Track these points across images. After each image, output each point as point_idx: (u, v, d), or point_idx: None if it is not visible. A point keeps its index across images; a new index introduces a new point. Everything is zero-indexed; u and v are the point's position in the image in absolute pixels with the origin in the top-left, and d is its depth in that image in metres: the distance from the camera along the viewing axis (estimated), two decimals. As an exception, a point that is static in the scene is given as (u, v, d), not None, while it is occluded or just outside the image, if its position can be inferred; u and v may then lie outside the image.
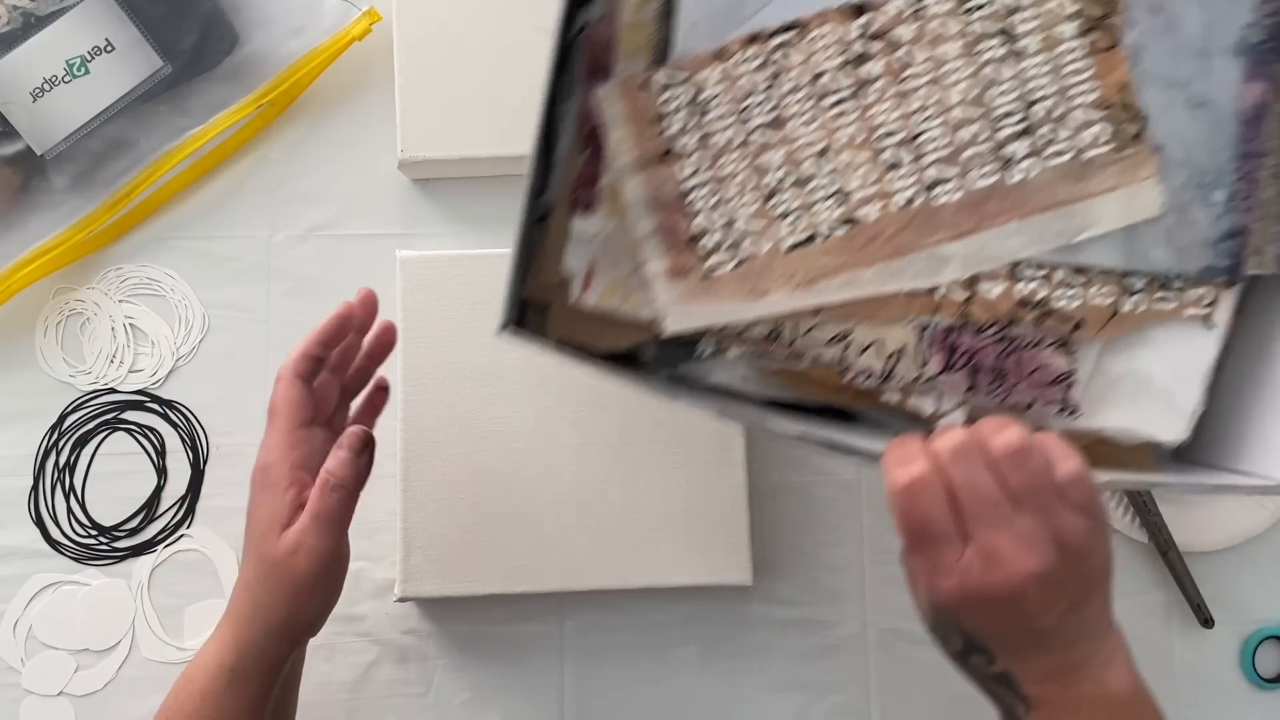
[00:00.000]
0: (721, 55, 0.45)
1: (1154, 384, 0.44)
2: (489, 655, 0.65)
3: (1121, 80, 0.43)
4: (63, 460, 0.66)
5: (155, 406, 0.67)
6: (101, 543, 0.66)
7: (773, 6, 0.45)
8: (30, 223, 0.66)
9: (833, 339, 0.45)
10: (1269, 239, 0.42)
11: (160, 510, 0.66)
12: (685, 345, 0.47)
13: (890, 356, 0.43)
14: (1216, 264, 0.42)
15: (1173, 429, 0.44)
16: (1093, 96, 0.43)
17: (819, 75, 0.44)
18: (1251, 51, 0.41)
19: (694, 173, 0.44)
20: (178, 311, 0.68)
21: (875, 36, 0.44)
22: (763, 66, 0.45)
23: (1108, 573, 0.43)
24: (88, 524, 0.66)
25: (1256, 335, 0.45)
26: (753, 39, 0.45)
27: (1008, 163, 0.43)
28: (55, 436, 0.66)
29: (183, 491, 0.66)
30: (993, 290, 0.43)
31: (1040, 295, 0.42)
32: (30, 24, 0.64)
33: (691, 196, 0.45)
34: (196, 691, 0.50)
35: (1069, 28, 0.43)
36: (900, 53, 0.44)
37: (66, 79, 0.65)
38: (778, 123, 0.45)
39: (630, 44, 0.45)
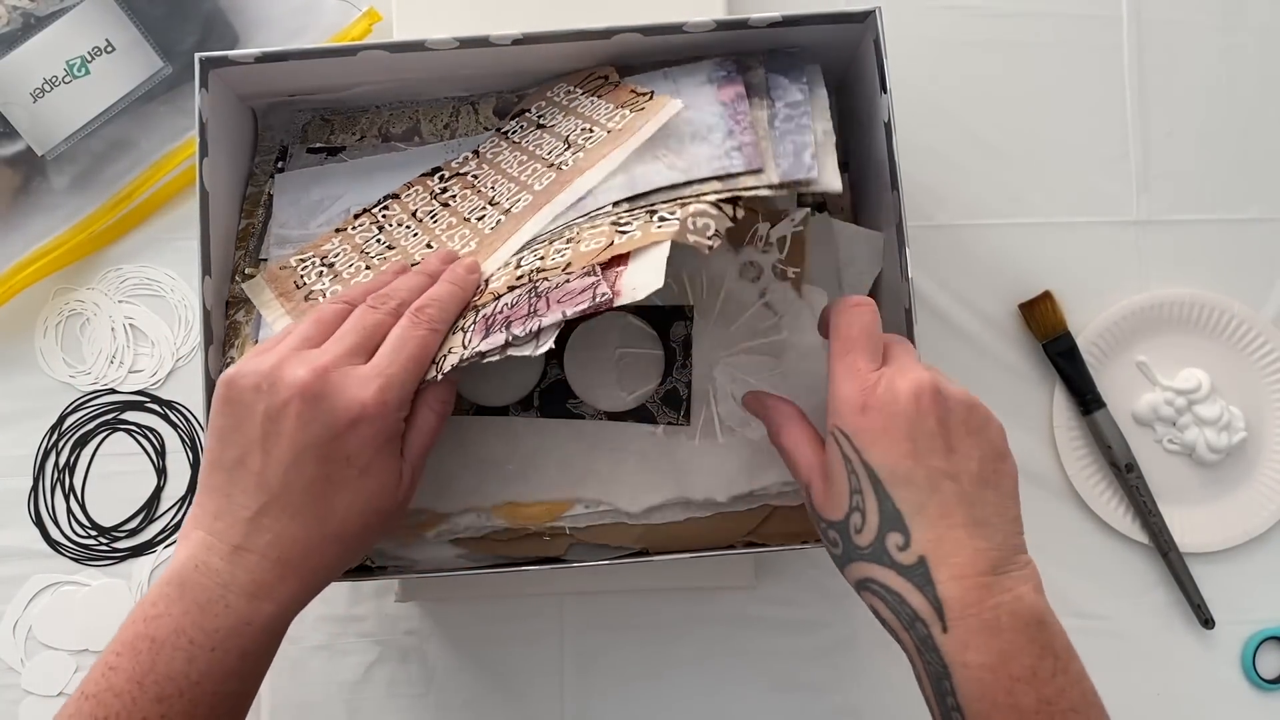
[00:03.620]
0: (339, 230, 0.56)
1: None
2: (489, 655, 0.65)
3: (630, 89, 0.54)
4: (62, 461, 0.66)
5: (155, 407, 0.67)
6: (101, 543, 0.66)
7: (345, 199, 0.57)
8: (30, 223, 0.66)
9: None
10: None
11: (160, 511, 0.66)
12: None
13: (439, 359, 0.47)
14: (725, 168, 0.51)
15: None
16: (609, 107, 0.54)
17: (415, 212, 0.56)
18: (718, 79, 0.54)
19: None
20: (178, 312, 0.68)
21: (450, 179, 0.57)
22: (373, 224, 0.56)
23: (1012, 476, 0.44)
24: (87, 524, 0.66)
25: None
26: (361, 214, 0.56)
27: (560, 165, 0.53)
28: (55, 437, 0.66)
29: (183, 492, 0.66)
30: (500, 278, 0.49)
31: (535, 266, 0.48)
32: (30, 24, 0.64)
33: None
34: (231, 671, 0.42)
35: (583, 99, 0.55)
36: (469, 176, 0.56)
37: (66, 79, 0.65)
38: (391, 246, 0.55)
39: (244, 235, 0.57)
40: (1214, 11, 0.69)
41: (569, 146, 0.54)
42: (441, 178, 0.57)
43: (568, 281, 0.46)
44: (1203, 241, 0.68)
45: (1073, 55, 0.69)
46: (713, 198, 0.48)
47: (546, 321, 0.44)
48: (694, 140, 0.52)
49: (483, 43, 0.53)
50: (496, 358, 0.45)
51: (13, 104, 0.64)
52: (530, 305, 0.46)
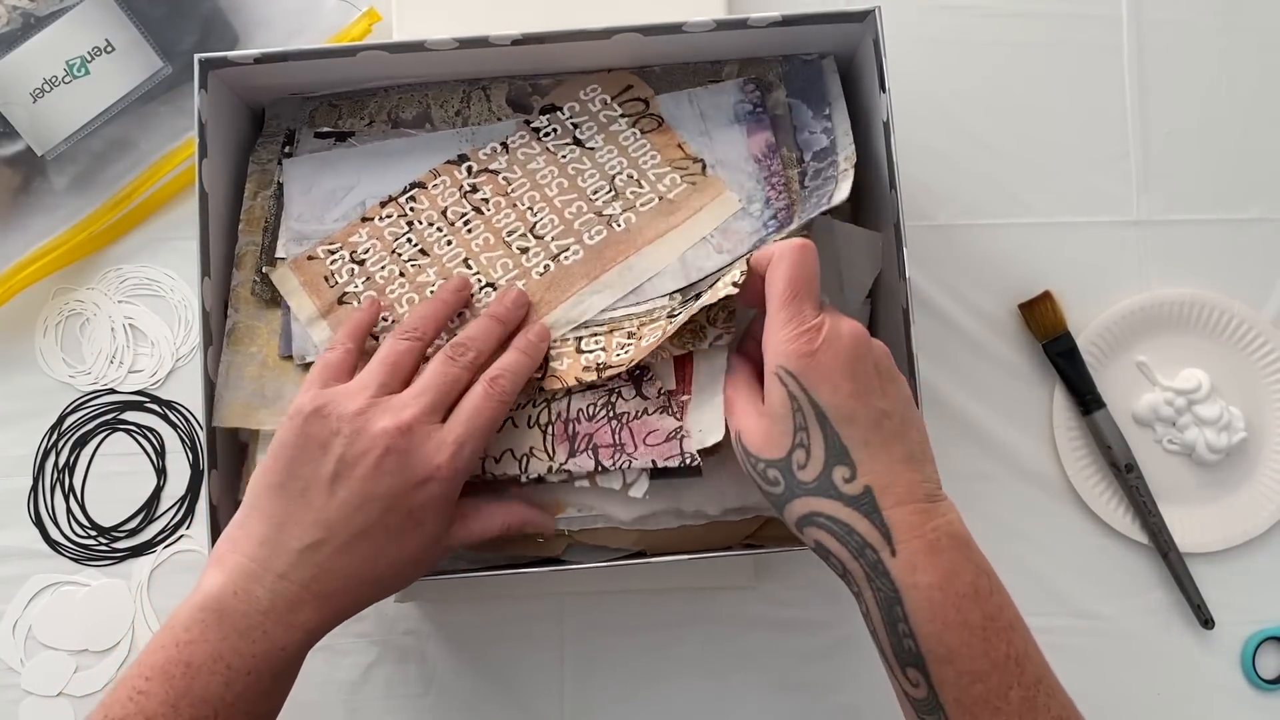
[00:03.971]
0: (366, 220, 0.56)
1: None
2: (489, 656, 0.65)
3: (675, 142, 0.56)
4: (62, 461, 0.66)
5: (155, 407, 0.67)
6: (101, 543, 0.66)
7: (359, 190, 0.57)
8: (30, 223, 0.66)
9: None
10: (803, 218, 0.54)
11: (160, 511, 0.66)
12: None
13: (522, 458, 0.51)
14: (762, 238, 0.54)
15: None
16: (656, 158, 0.56)
17: (445, 210, 0.56)
18: (746, 118, 0.56)
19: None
20: (177, 312, 0.68)
21: (478, 173, 0.56)
22: (400, 218, 0.56)
23: (920, 417, 0.47)
24: (87, 524, 0.66)
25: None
26: (387, 202, 0.56)
27: (610, 219, 0.55)
28: (55, 437, 0.66)
29: (182, 492, 0.66)
30: (563, 359, 0.53)
31: (599, 360, 0.52)
32: (30, 24, 0.64)
33: None
34: (265, 692, 0.44)
35: (622, 122, 0.57)
36: (500, 177, 0.56)
37: (66, 79, 0.65)
38: (424, 252, 0.55)
39: (249, 222, 0.57)
40: (1214, 11, 0.69)
41: (615, 194, 0.56)
42: (470, 170, 0.57)
43: (647, 414, 0.51)
44: (1203, 241, 0.68)
45: (1073, 55, 0.69)
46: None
47: (638, 464, 0.50)
48: (735, 217, 0.54)
49: (482, 43, 0.53)
50: (585, 484, 0.51)
51: (13, 104, 0.64)
52: (614, 436, 0.51)
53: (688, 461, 0.50)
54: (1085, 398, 0.65)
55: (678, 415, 0.51)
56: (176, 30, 0.66)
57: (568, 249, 0.55)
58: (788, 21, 0.52)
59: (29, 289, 0.66)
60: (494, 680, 0.65)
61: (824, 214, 0.57)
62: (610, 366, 0.51)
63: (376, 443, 0.45)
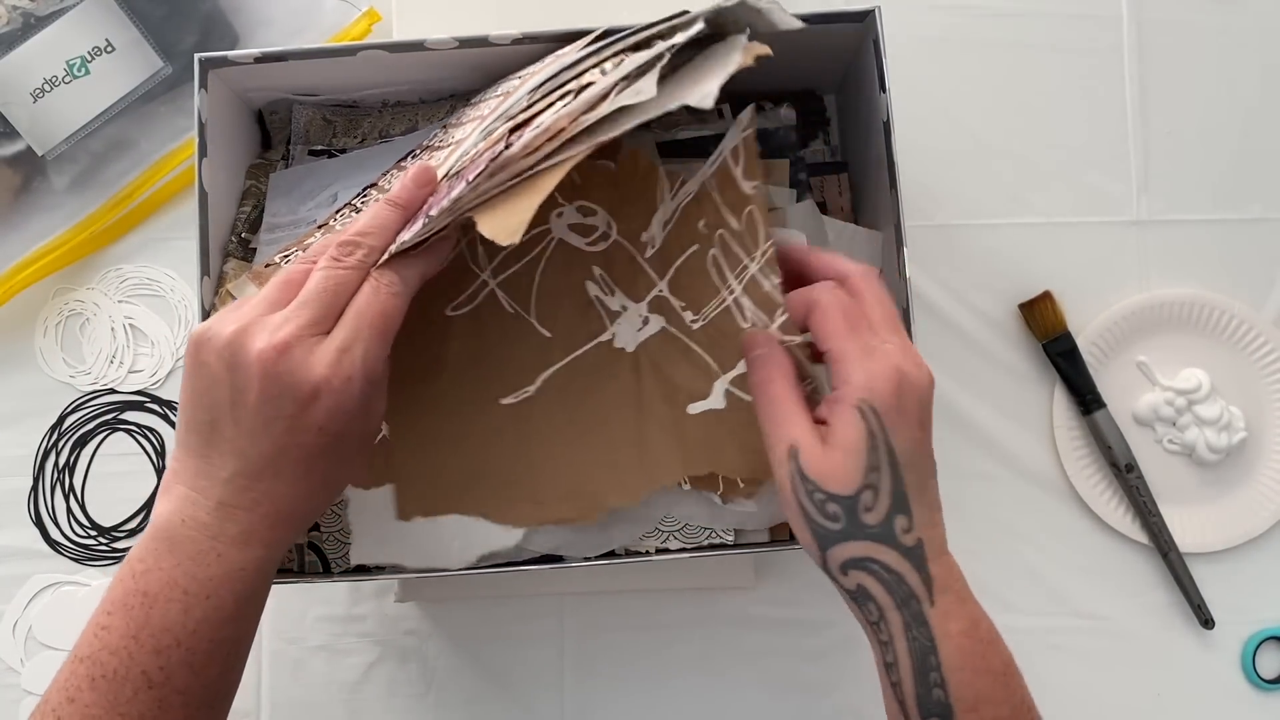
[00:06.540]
0: (323, 225, 0.54)
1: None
2: (489, 655, 0.65)
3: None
4: (62, 461, 0.66)
5: (155, 407, 0.67)
6: (101, 543, 0.66)
7: (334, 186, 0.57)
8: (31, 223, 0.66)
9: None
10: None
11: (160, 510, 0.66)
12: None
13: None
14: None
15: None
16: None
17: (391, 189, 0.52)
18: None
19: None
20: (177, 312, 0.68)
21: (420, 151, 0.54)
22: (352, 214, 0.53)
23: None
24: (87, 524, 0.66)
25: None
26: (343, 206, 0.55)
27: (509, 94, 0.49)
28: (55, 437, 0.66)
29: (182, 492, 0.66)
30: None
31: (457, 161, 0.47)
32: (30, 24, 0.64)
33: None
34: (228, 617, 0.43)
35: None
36: (436, 143, 0.53)
37: (66, 79, 0.65)
38: None
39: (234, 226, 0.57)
40: (1214, 11, 0.69)
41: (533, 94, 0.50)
42: (413, 155, 0.56)
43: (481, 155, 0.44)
44: (1203, 241, 0.68)
45: (1073, 55, 0.69)
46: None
47: (455, 194, 0.43)
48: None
49: (482, 43, 0.53)
50: (413, 239, 0.44)
51: (13, 104, 0.65)
52: (449, 188, 0.45)
53: (496, 156, 0.43)
54: (1085, 398, 0.65)
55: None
56: (176, 30, 0.66)
57: (471, 129, 0.51)
58: (788, 21, 0.52)
59: (29, 289, 0.66)
60: (494, 680, 0.65)
61: (825, 215, 0.57)
62: (468, 156, 0.46)
63: (255, 368, 0.42)
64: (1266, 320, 0.66)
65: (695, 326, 0.53)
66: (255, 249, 0.56)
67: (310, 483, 0.44)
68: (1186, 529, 0.65)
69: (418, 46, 0.53)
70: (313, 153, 0.59)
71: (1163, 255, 0.67)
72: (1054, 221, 0.68)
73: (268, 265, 0.55)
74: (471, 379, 0.54)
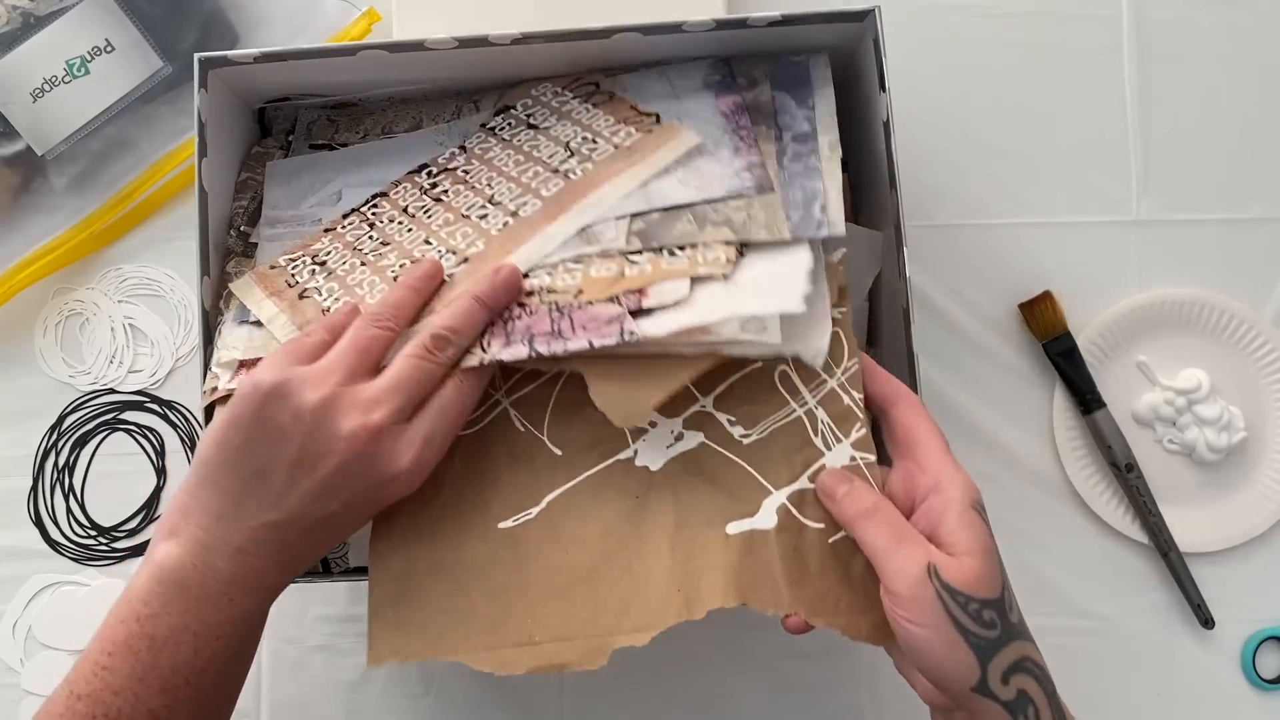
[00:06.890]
0: (329, 230, 0.55)
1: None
2: (489, 656, 0.65)
3: (628, 105, 0.55)
4: (62, 461, 0.66)
5: (155, 407, 0.67)
6: (101, 543, 0.66)
7: (337, 182, 0.58)
8: (30, 223, 0.66)
9: None
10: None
11: (160, 511, 0.66)
12: None
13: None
14: (738, 188, 0.51)
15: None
16: (610, 120, 0.55)
17: (406, 207, 0.55)
18: (716, 85, 0.55)
19: (330, 296, 0.52)
20: (177, 312, 0.68)
21: (438, 174, 0.56)
22: (362, 223, 0.55)
23: None
24: (87, 524, 0.66)
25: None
26: (350, 213, 0.56)
27: (567, 172, 0.53)
28: (55, 437, 0.66)
29: (182, 492, 0.66)
30: None
31: (545, 284, 0.49)
32: (30, 24, 0.64)
33: (330, 305, 0.52)
34: (235, 653, 0.44)
35: (574, 102, 0.56)
36: (459, 171, 0.56)
37: (66, 79, 0.65)
38: (385, 242, 0.54)
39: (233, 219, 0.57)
40: (1214, 11, 0.69)
41: (572, 154, 0.54)
42: (430, 174, 0.56)
43: (591, 305, 0.47)
44: (1203, 241, 0.68)
45: (1073, 55, 0.69)
46: (721, 238, 0.49)
47: (572, 346, 0.46)
48: (702, 156, 0.52)
49: (482, 42, 0.53)
50: (510, 360, 0.47)
51: (13, 104, 0.65)
52: (553, 323, 0.47)
53: (625, 341, 0.45)
54: (1085, 397, 0.65)
55: (621, 302, 0.47)
56: (176, 30, 0.66)
57: (525, 204, 0.52)
58: (787, 21, 0.52)
59: (29, 289, 0.66)
60: (494, 680, 0.65)
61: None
62: (555, 293, 0.48)
63: (342, 444, 0.43)
64: (1266, 320, 0.66)
65: (746, 441, 0.48)
66: (255, 243, 0.56)
67: (331, 542, 0.46)
68: (1186, 529, 0.65)
69: (418, 46, 0.53)
70: (313, 146, 0.59)
71: (1163, 255, 0.67)
72: (1054, 221, 0.68)
73: (273, 267, 0.55)
74: (470, 501, 0.49)
